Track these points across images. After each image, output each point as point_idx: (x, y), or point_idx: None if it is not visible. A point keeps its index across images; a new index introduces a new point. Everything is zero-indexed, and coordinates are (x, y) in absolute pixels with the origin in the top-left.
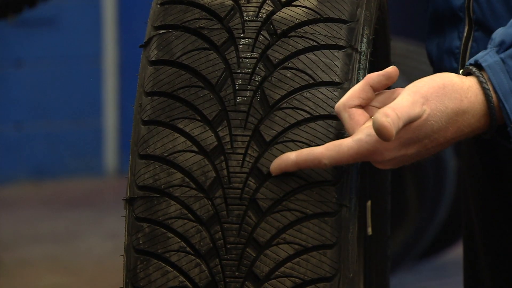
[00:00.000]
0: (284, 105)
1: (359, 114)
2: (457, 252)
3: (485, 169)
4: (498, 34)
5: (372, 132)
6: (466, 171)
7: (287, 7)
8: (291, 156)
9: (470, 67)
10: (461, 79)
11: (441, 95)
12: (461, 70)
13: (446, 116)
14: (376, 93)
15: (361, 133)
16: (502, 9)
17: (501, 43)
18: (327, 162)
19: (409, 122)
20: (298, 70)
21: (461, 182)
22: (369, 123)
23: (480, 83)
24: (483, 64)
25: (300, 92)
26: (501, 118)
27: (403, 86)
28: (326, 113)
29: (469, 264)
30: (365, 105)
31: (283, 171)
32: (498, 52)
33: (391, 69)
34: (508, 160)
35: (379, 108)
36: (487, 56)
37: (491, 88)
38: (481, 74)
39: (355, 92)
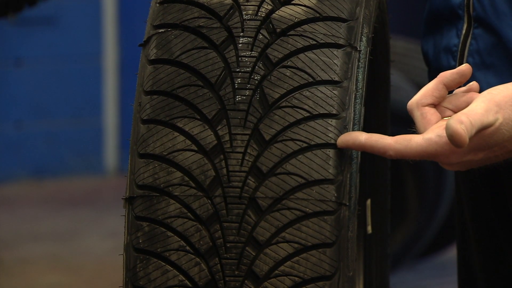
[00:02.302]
0: (284, 104)
1: (432, 113)
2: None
3: (480, 170)
4: None
5: (443, 133)
6: (460, 172)
7: (286, 6)
8: (361, 137)
9: None
10: None
11: None
12: None
13: None
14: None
15: (432, 133)
16: (504, 5)
17: None
18: (393, 154)
19: (482, 130)
20: (298, 68)
21: (456, 183)
22: (441, 123)
23: None
24: None
25: (299, 91)
26: None
27: (403, 85)
28: (326, 111)
29: (463, 265)
30: (437, 104)
31: (347, 147)
32: None
33: (465, 67)
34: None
35: (449, 109)
36: None
37: None
38: None
39: (429, 90)
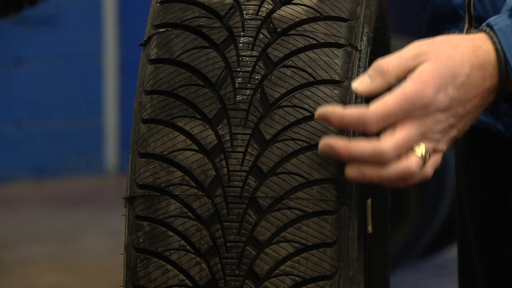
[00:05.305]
0: (284, 104)
1: None
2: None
3: (480, 167)
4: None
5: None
6: (461, 170)
7: (287, 6)
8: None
9: (483, 28)
10: (472, 36)
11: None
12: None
13: (460, 55)
14: None
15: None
16: (504, 4)
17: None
18: (373, 117)
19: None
20: (298, 68)
21: (457, 183)
22: None
23: (491, 39)
24: (495, 27)
25: (300, 91)
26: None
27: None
28: None
29: (464, 265)
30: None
31: (324, 120)
32: (510, 17)
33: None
34: (504, 158)
35: None
36: (498, 19)
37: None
38: (493, 34)
39: None
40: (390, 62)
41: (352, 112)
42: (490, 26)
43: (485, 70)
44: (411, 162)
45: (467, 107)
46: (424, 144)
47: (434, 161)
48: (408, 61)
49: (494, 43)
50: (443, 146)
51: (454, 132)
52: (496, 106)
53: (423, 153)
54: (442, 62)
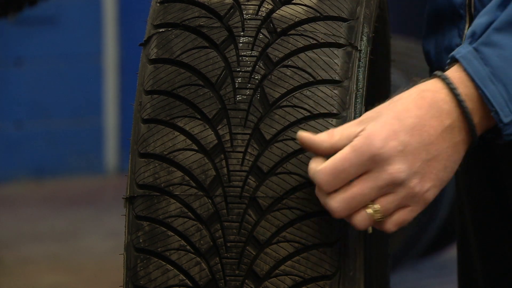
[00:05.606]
0: (284, 104)
1: None
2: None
3: (480, 167)
4: (471, 26)
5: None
6: (461, 170)
7: (287, 5)
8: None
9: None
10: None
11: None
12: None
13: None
14: None
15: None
16: None
17: (473, 34)
18: (323, 174)
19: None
20: (298, 68)
21: (457, 183)
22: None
23: (439, 77)
24: (457, 56)
25: (300, 90)
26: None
27: (403, 84)
28: (326, 111)
29: (463, 265)
30: None
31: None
32: (470, 43)
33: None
34: (504, 158)
35: None
36: (460, 49)
37: (466, 78)
38: (441, 74)
39: None
40: (336, 129)
41: (309, 168)
42: (451, 57)
43: (437, 108)
44: (357, 219)
45: (431, 151)
46: (378, 204)
47: (400, 217)
48: (352, 127)
49: (443, 79)
50: (417, 200)
51: (427, 184)
52: (489, 141)
53: (373, 212)
54: (387, 114)
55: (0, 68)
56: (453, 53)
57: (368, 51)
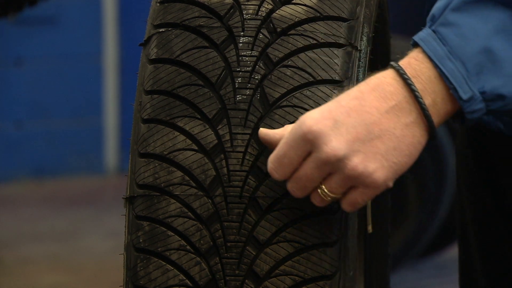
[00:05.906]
0: (284, 104)
1: None
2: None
3: (480, 167)
4: (431, 10)
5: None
6: (461, 170)
7: (287, 5)
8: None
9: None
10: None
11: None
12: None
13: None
14: None
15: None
16: None
17: (432, 17)
18: (270, 162)
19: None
20: (298, 68)
21: (457, 183)
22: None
23: (391, 66)
24: (416, 39)
25: (300, 90)
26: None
27: None
28: None
29: (464, 265)
30: None
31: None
32: (430, 27)
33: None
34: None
35: None
36: (420, 33)
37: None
38: (396, 64)
39: None
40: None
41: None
42: (413, 42)
43: (380, 90)
44: (314, 199)
45: (373, 131)
46: (324, 186)
47: (352, 198)
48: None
49: (392, 66)
50: (364, 181)
51: (371, 164)
52: (456, 125)
53: (321, 192)
54: (331, 101)
55: (0, 68)
56: (413, 37)
57: (368, 51)
